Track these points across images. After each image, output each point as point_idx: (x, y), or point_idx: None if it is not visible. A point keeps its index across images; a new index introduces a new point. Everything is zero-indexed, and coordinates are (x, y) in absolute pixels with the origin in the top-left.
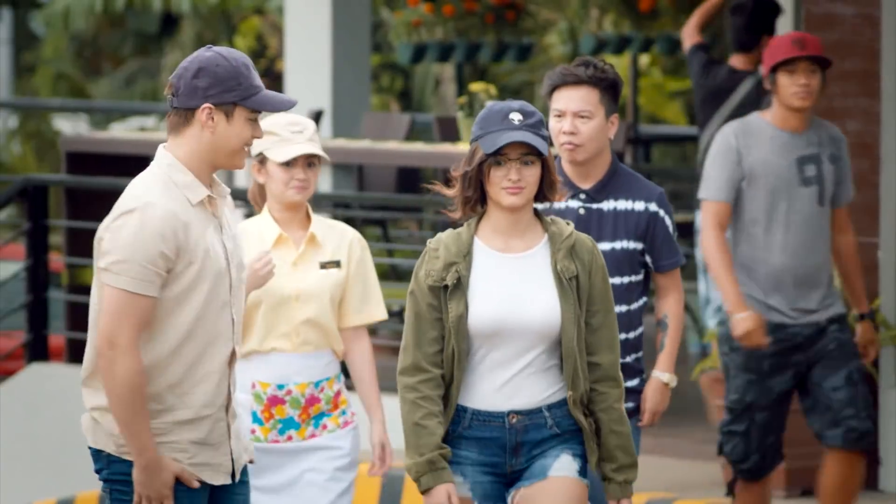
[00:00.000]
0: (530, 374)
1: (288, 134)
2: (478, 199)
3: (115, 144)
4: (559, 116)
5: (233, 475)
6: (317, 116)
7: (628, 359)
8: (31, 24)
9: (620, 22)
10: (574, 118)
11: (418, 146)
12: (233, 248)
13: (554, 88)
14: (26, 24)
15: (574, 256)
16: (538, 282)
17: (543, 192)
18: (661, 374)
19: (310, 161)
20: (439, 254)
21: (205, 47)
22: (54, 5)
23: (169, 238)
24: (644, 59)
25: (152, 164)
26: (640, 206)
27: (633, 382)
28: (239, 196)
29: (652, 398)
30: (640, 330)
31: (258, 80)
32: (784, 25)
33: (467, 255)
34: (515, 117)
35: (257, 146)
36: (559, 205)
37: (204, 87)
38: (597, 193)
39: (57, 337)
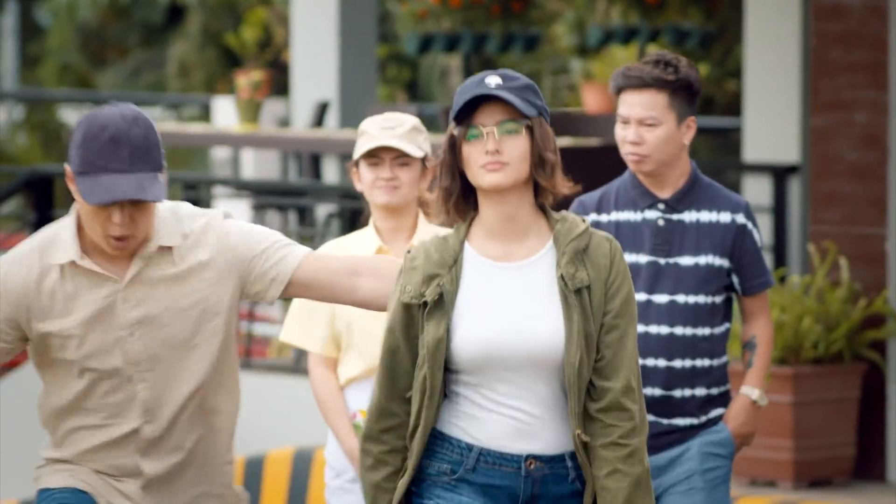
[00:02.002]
0: (548, 411)
1: (376, 131)
2: (460, 193)
3: None
4: (624, 123)
5: None
6: (323, 107)
7: (714, 390)
8: (36, 16)
9: (628, 12)
10: (638, 126)
11: None
12: (142, 316)
13: (619, 91)
14: (32, 16)
15: (585, 261)
16: (539, 297)
17: (534, 174)
18: (751, 391)
19: (402, 160)
20: (417, 263)
21: (116, 106)
22: None
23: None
24: (652, 50)
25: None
26: (725, 217)
27: (719, 411)
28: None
29: (735, 418)
30: (724, 359)
31: (107, 159)
32: (791, 17)
33: (454, 265)
34: (492, 81)
35: (355, 149)
36: (634, 216)
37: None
38: (677, 203)
39: None
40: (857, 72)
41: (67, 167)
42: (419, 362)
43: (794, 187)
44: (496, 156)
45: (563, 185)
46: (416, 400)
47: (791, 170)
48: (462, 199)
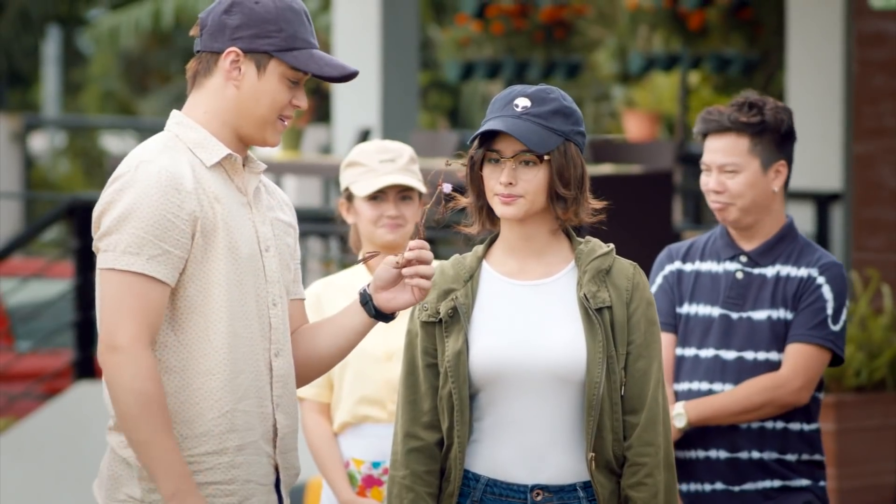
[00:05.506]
0: (561, 435)
1: (375, 163)
2: (488, 208)
3: None
4: (707, 171)
5: None
6: (365, 134)
7: (790, 456)
8: (78, 43)
9: (670, 39)
10: (720, 173)
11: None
12: (270, 235)
13: (703, 135)
14: (74, 43)
15: (607, 282)
16: (558, 314)
17: (550, 206)
18: (678, 408)
19: (404, 194)
20: (434, 280)
21: None
22: (102, 24)
23: (174, 202)
24: (694, 77)
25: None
26: (803, 272)
27: (804, 482)
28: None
29: None
30: (815, 425)
31: (308, 34)
32: (834, 43)
33: (470, 280)
34: (520, 103)
35: (343, 180)
36: (716, 267)
37: (234, 25)
38: (760, 257)
39: None
40: None
41: (236, 49)
42: (441, 381)
43: (837, 214)
44: (510, 188)
45: (586, 214)
46: (445, 419)
47: (833, 197)
48: (490, 213)
